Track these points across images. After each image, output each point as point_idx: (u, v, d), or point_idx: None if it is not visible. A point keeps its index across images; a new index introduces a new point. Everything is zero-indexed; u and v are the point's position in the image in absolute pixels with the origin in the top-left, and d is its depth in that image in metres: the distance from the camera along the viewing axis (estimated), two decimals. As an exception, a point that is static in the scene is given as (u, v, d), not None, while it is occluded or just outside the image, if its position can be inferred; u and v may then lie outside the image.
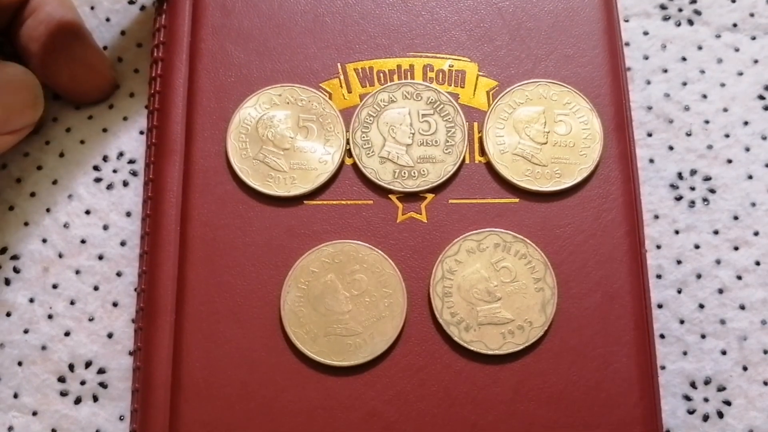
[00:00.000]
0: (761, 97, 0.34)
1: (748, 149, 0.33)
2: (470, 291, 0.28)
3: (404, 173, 0.29)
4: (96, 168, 0.33)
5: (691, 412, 0.30)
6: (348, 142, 0.29)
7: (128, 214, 0.32)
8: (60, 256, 0.31)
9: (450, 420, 0.27)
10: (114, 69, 0.34)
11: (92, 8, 0.35)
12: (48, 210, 0.32)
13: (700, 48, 0.34)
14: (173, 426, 0.27)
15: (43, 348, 0.30)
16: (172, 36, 0.31)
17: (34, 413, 0.30)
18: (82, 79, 0.32)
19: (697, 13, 0.35)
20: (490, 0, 0.31)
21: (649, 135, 0.33)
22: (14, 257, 0.31)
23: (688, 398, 0.30)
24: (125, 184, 0.32)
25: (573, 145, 0.29)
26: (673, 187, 0.32)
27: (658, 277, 0.31)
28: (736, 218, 0.32)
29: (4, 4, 0.31)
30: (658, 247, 0.32)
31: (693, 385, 0.30)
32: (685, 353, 0.31)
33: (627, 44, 0.34)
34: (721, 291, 0.31)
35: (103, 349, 0.30)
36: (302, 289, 0.28)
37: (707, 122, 0.33)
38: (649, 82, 0.34)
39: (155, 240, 0.29)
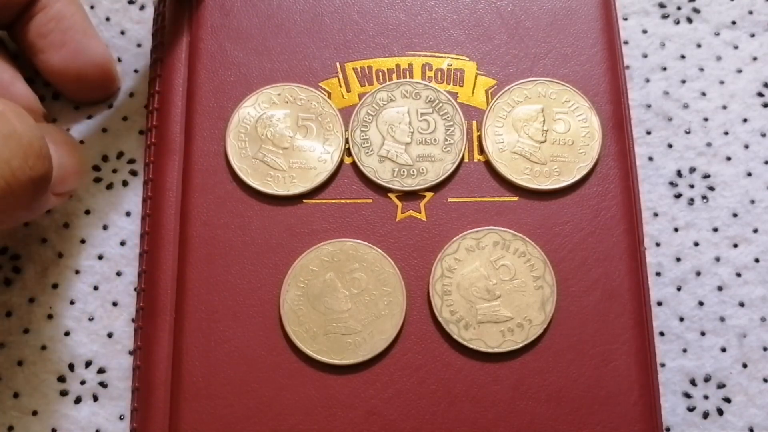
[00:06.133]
0: (760, 95, 0.34)
1: (747, 146, 0.33)
2: (470, 289, 0.28)
3: (403, 172, 0.29)
4: (96, 168, 0.33)
5: (690, 409, 0.30)
6: (347, 141, 0.30)
7: (128, 214, 0.32)
8: (60, 256, 0.31)
9: (449, 418, 0.27)
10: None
11: (92, 7, 0.35)
12: (48, 210, 0.32)
13: (699, 46, 0.34)
14: (173, 425, 0.27)
15: (43, 348, 0.30)
16: (171, 36, 0.31)
17: (34, 413, 0.30)
18: (89, 78, 0.32)
19: (696, 11, 0.35)
20: (489, -2, 0.31)
21: (648, 133, 0.33)
22: (14, 257, 0.31)
23: (687, 396, 0.30)
24: (125, 183, 0.32)
25: (572, 144, 0.29)
26: (673, 184, 0.32)
27: (658, 274, 0.31)
28: (735, 215, 0.32)
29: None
30: (658, 244, 0.32)
31: (693, 382, 0.30)
32: (684, 351, 0.31)
33: (626, 42, 0.34)
34: (720, 288, 0.31)
35: (103, 348, 0.30)
36: (302, 287, 0.28)
37: (706, 120, 0.33)
38: (648, 80, 0.34)
39: (155, 239, 0.29)
